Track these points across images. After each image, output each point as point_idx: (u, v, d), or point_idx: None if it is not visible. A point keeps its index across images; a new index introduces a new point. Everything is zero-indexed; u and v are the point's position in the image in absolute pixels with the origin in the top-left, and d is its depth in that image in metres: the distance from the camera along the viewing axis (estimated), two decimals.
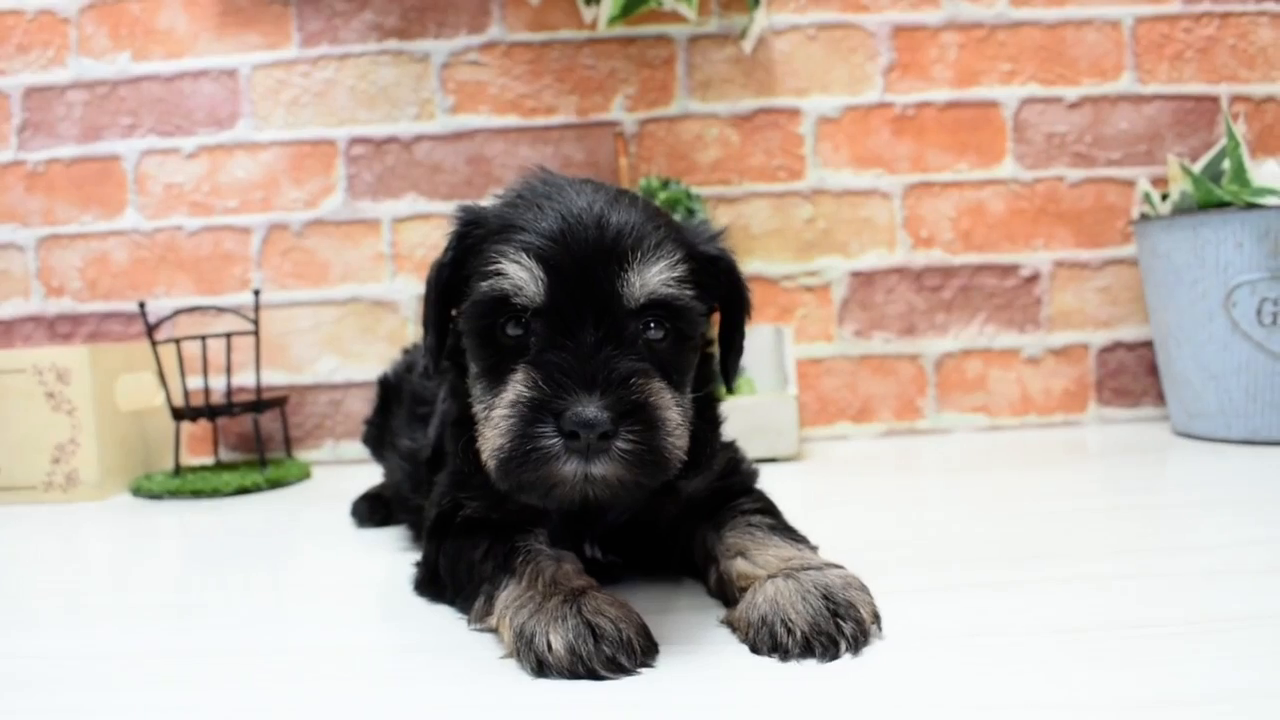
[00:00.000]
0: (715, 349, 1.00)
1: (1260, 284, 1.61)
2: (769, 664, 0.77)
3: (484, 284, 0.84)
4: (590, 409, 0.77)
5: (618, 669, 0.75)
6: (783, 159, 1.96)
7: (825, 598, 0.79)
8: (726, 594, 0.89)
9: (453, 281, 0.92)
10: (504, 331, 0.85)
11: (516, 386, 0.81)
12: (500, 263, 0.83)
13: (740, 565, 0.88)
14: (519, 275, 0.82)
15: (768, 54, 1.94)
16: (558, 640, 0.76)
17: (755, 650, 0.79)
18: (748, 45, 1.89)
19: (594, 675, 0.74)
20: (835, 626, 0.78)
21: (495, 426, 0.81)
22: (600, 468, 0.79)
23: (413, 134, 1.95)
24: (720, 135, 1.95)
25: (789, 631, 0.78)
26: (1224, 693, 0.67)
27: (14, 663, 0.87)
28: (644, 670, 0.76)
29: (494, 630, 0.85)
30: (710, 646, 0.82)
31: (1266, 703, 0.65)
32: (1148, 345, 1.97)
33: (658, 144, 1.95)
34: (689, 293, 0.86)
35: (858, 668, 0.75)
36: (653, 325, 0.85)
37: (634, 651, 0.76)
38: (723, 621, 0.86)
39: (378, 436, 1.41)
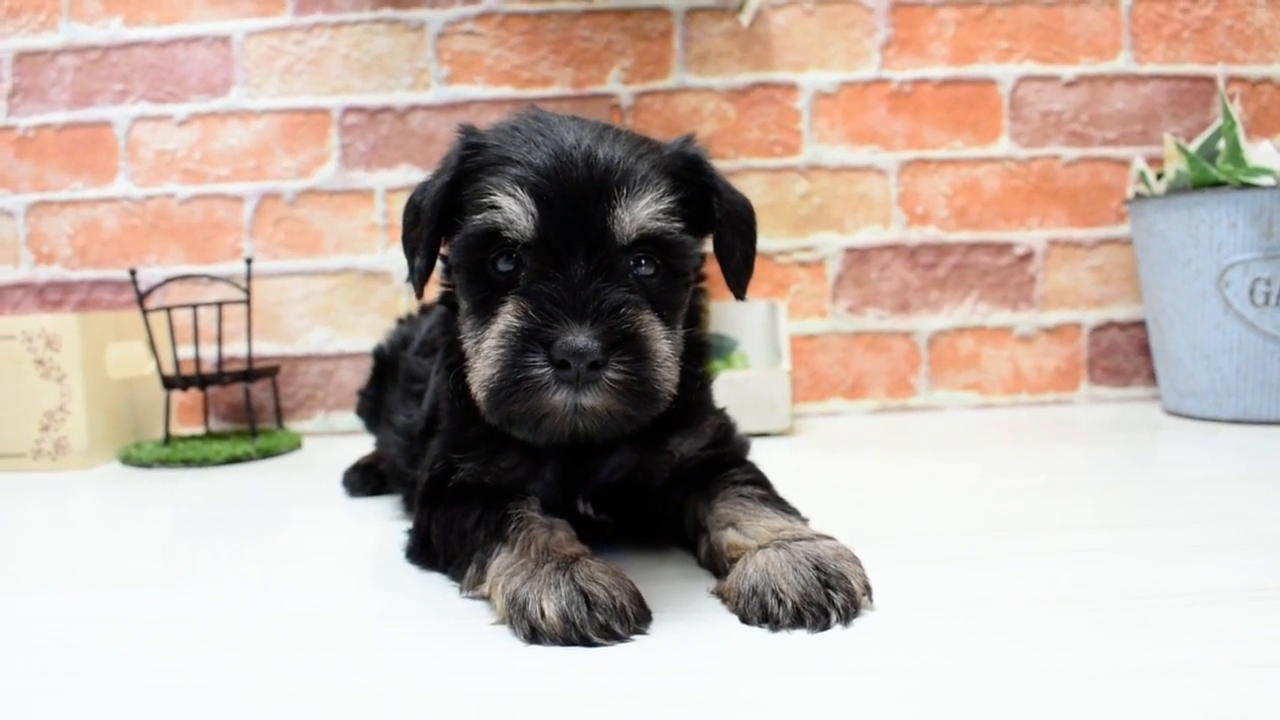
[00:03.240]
0: (706, 285, 1.01)
1: (1254, 264, 1.61)
2: (760, 633, 0.77)
3: (477, 217, 0.84)
4: (580, 338, 0.78)
5: (611, 636, 0.75)
6: (779, 134, 1.95)
7: (816, 568, 0.80)
8: (717, 564, 0.89)
9: (447, 204, 0.91)
10: (494, 266, 0.85)
11: (506, 317, 0.81)
12: (494, 195, 0.83)
13: (731, 536, 0.88)
14: (512, 209, 0.82)
15: (765, 28, 1.93)
16: (551, 607, 0.76)
17: (746, 620, 0.79)
18: (745, 19, 1.88)
19: (587, 642, 0.74)
20: (826, 597, 0.78)
21: (485, 357, 0.82)
22: (590, 398, 0.80)
23: (407, 104, 1.94)
24: (716, 109, 1.94)
25: (780, 602, 0.78)
26: (1209, 663, 0.68)
27: (7, 626, 0.86)
28: (637, 637, 0.76)
29: (486, 598, 0.85)
30: (701, 615, 0.82)
31: (1250, 672, 0.66)
32: (1140, 325, 1.97)
33: (654, 117, 1.95)
34: (678, 225, 0.87)
35: (848, 637, 0.75)
36: (643, 261, 0.86)
37: (627, 619, 0.76)
38: (713, 592, 0.86)
39: (372, 409, 1.41)
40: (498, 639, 0.78)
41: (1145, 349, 1.96)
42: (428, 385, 1.16)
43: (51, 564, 1.10)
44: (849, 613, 0.78)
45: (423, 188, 0.93)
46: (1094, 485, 1.31)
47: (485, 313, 0.84)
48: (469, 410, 0.90)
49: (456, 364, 0.92)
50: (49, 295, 1.98)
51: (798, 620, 0.77)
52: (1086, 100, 1.95)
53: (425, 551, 0.99)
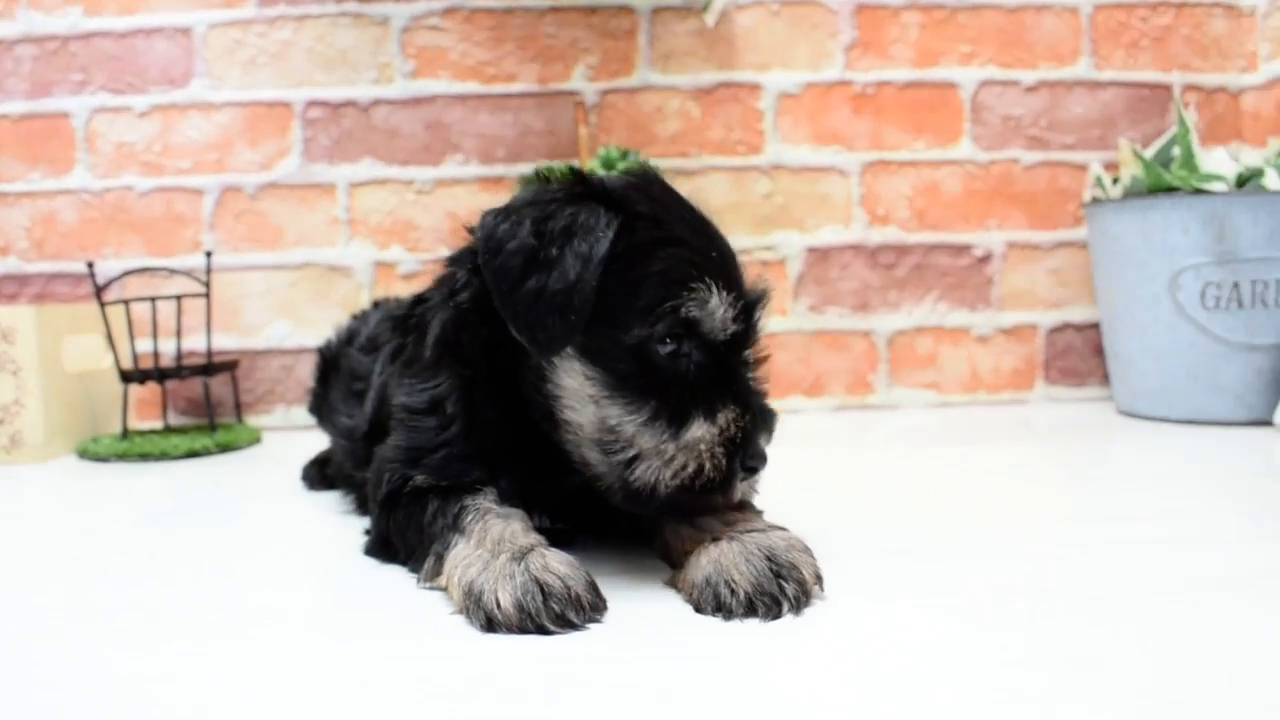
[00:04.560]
0: None
1: (1205, 268, 1.65)
2: (714, 621, 0.79)
3: (671, 302, 0.83)
4: (766, 445, 0.86)
5: (566, 624, 0.77)
6: (742, 133, 1.96)
7: (768, 559, 0.81)
8: (672, 556, 0.90)
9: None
10: (658, 351, 0.85)
11: (720, 420, 0.85)
12: (699, 289, 0.84)
13: (685, 528, 0.89)
14: (715, 306, 0.84)
15: (730, 28, 1.94)
16: (506, 597, 0.77)
17: (699, 610, 0.81)
18: (710, 19, 1.89)
19: (543, 630, 0.76)
20: (778, 587, 0.79)
21: (689, 450, 0.84)
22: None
23: (371, 98, 1.93)
24: (681, 108, 1.95)
25: (732, 592, 0.79)
26: (1157, 650, 0.70)
27: None
28: (592, 626, 0.78)
29: (444, 589, 0.85)
30: (657, 605, 0.83)
31: (1192, 658, 0.67)
32: (1095, 327, 2.00)
33: (618, 115, 1.95)
34: None
35: (800, 625, 0.77)
36: None
37: (583, 607, 0.78)
38: (668, 583, 0.87)
39: (319, 406, 1.40)
40: (455, 628, 0.79)
41: (1100, 350, 1.99)
42: (370, 385, 1.16)
43: (9, 556, 1.09)
44: (800, 602, 0.80)
45: (555, 239, 0.85)
46: (1049, 482, 1.33)
47: (640, 394, 0.85)
48: (479, 426, 0.94)
49: (473, 379, 0.94)
50: (5, 288, 1.95)
51: (750, 610, 0.79)
52: (1046, 105, 1.98)
53: (385, 548, 0.99)
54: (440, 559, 0.87)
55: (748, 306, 0.88)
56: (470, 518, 0.88)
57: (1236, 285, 1.63)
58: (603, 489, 0.88)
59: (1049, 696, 0.62)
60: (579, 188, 0.88)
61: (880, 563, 0.94)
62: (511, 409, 0.92)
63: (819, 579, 0.83)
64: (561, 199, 0.87)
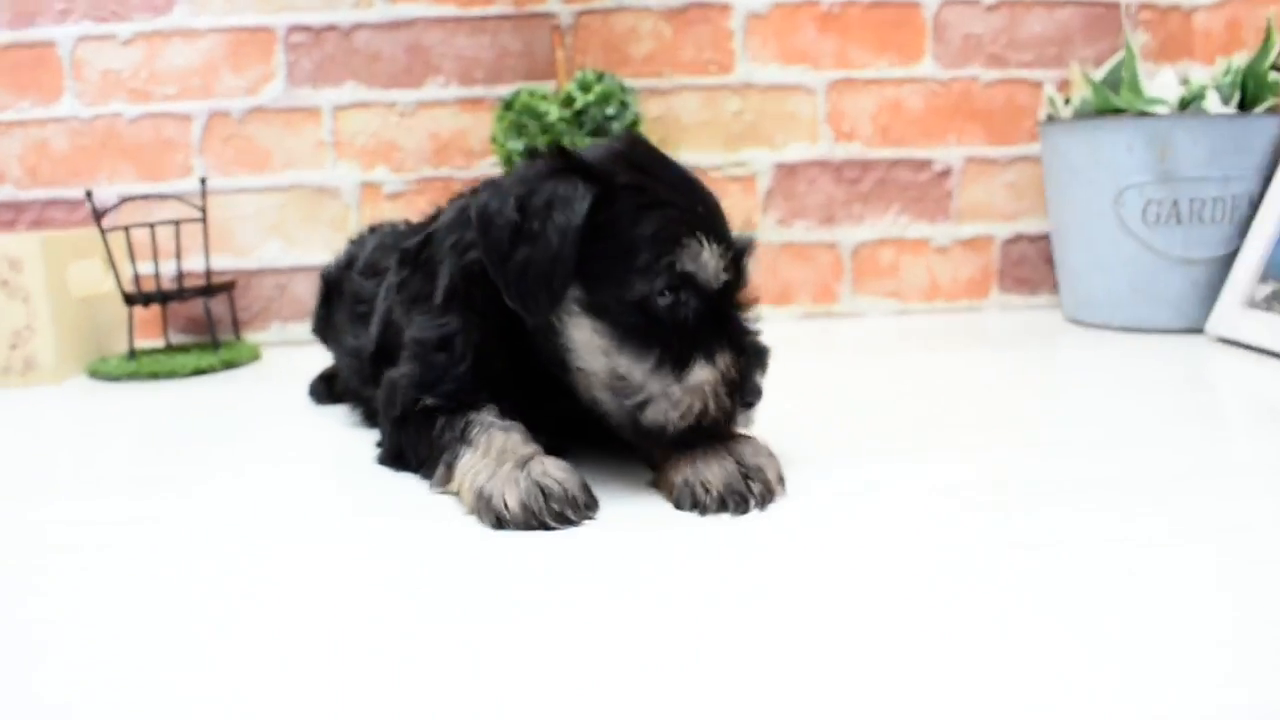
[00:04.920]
0: None
1: (1147, 186, 1.75)
2: (690, 516, 0.93)
3: (666, 259, 0.93)
4: (760, 381, 0.98)
5: (565, 521, 0.90)
6: (713, 53, 2.03)
7: (738, 463, 0.95)
8: (654, 460, 1.04)
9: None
10: (656, 303, 0.94)
11: (719, 363, 0.95)
12: (690, 244, 0.94)
13: None
14: (707, 259, 0.94)
15: None
16: (513, 499, 0.90)
17: (678, 507, 0.95)
18: None
19: (545, 527, 0.90)
20: (746, 487, 0.93)
21: (695, 392, 0.94)
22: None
23: (351, 22, 1.98)
24: (654, 29, 2.01)
25: (706, 491, 0.93)
26: (1096, 536, 0.83)
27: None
28: (587, 522, 0.92)
29: (454, 493, 0.99)
30: (640, 503, 0.97)
31: (1136, 550, 0.80)
32: (1046, 238, 2.12)
33: (592, 36, 2.01)
34: None
35: (764, 520, 0.92)
36: None
37: (579, 506, 0.92)
38: (650, 484, 1.01)
39: (324, 328, 1.50)
40: (468, 525, 0.93)
41: (1050, 261, 2.11)
42: (374, 308, 1.26)
43: (39, 473, 1.21)
44: (765, 499, 0.94)
45: (537, 214, 0.94)
46: (994, 387, 1.48)
47: (644, 343, 0.95)
48: (482, 359, 1.05)
49: (480, 324, 1.05)
50: (2, 216, 2.02)
51: (722, 506, 0.93)
52: (1005, 24, 2.05)
53: (398, 459, 1.12)
54: (450, 467, 0.99)
55: (736, 255, 0.98)
56: (476, 430, 1.00)
57: (1176, 202, 1.75)
58: (613, 425, 1.00)
59: (976, 577, 0.75)
60: (560, 163, 0.96)
61: (838, 465, 1.07)
62: (514, 349, 1.04)
63: (782, 480, 0.97)
64: (543, 174, 0.95)
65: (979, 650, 0.64)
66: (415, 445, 1.07)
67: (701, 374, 0.94)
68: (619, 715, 0.58)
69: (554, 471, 0.93)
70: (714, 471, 0.94)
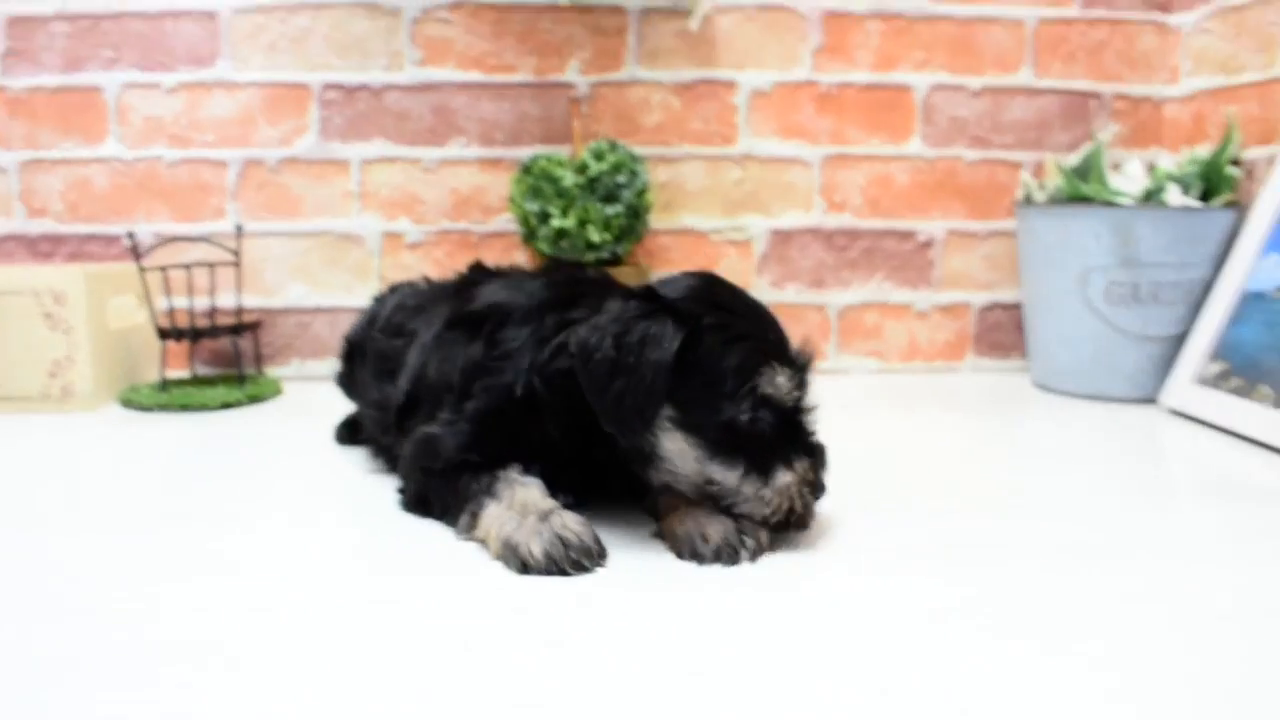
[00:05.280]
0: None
1: (1110, 269, 1.91)
2: (689, 565, 1.07)
3: (749, 385, 1.07)
4: (824, 478, 1.13)
5: (581, 568, 1.04)
6: (718, 126, 2.19)
7: (734, 520, 1.10)
8: (659, 513, 1.17)
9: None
10: (739, 418, 1.08)
11: (798, 468, 1.10)
12: (767, 371, 1.08)
13: (671, 496, 1.15)
14: (782, 383, 1.09)
15: (711, 30, 2.14)
16: (537, 549, 1.04)
17: (679, 556, 1.09)
18: (694, 24, 2.09)
19: (564, 573, 1.03)
20: (740, 541, 1.08)
21: (783, 494, 1.09)
22: None
23: (382, 83, 2.12)
24: (664, 101, 2.17)
25: (705, 542, 1.08)
26: (1022, 596, 0.97)
27: (28, 558, 1.09)
28: (599, 569, 1.05)
29: (479, 540, 1.11)
30: (646, 554, 1.11)
31: (1082, 608, 0.94)
32: (1019, 307, 2.28)
33: (607, 106, 2.16)
34: None
35: (752, 571, 1.06)
36: None
37: (593, 555, 1.05)
38: (654, 534, 1.15)
39: (348, 383, 1.60)
40: (496, 570, 1.06)
41: (1022, 328, 2.27)
42: (400, 364, 1.38)
43: (77, 499, 1.32)
44: (755, 554, 1.08)
45: (632, 350, 1.06)
46: (965, 450, 1.62)
47: (731, 453, 1.09)
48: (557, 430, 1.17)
49: (548, 412, 1.16)
50: (40, 247, 2.14)
51: (717, 557, 1.07)
52: (989, 108, 2.22)
53: (421, 505, 1.24)
54: (476, 516, 1.12)
55: (801, 374, 1.12)
56: (501, 485, 1.13)
57: (1136, 285, 1.91)
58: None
59: (935, 629, 0.89)
60: (651, 305, 1.09)
61: (821, 523, 1.20)
62: (572, 436, 1.16)
63: (771, 538, 1.12)
64: (637, 315, 1.08)
65: (914, 691, 0.78)
66: (443, 494, 1.19)
67: (785, 478, 1.08)
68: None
69: (572, 525, 1.07)
70: (714, 527, 1.09)
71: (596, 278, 1.29)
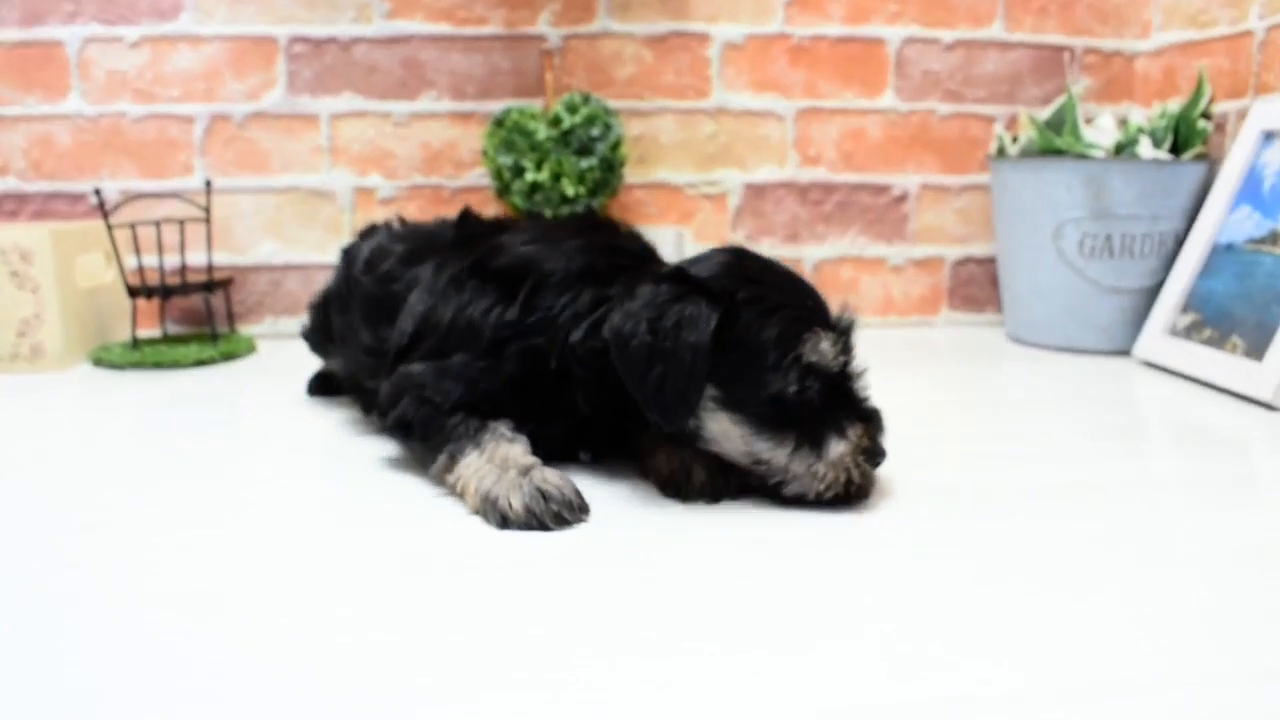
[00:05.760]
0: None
1: (1083, 222, 1.93)
2: (668, 507, 1.08)
3: (792, 355, 1.05)
4: (882, 442, 1.11)
5: (562, 522, 1.04)
6: (691, 79, 2.17)
7: (717, 459, 1.13)
8: (641, 451, 1.20)
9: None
10: (786, 389, 1.06)
11: (852, 434, 1.08)
12: (810, 338, 1.06)
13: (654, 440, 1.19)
14: (826, 348, 1.07)
15: None
16: (517, 502, 1.03)
17: (664, 491, 1.13)
18: None
19: (544, 527, 1.03)
20: (722, 482, 1.12)
21: (837, 466, 1.07)
22: None
23: (351, 35, 2.09)
24: (636, 54, 2.15)
25: (689, 479, 1.12)
26: (1017, 540, 0.98)
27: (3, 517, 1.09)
28: (580, 524, 1.05)
29: (451, 487, 1.11)
30: (628, 509, 1.10)
31: (1056, 552, 0.95)
32: (993, 261, 2.29)
33: (579, 59, 2.14)
34: None
35: (740, 519, 1.07)
36: None
37: (574, 508, 1.05)
38: (638, 472, 1.19)
39: (323, 336, 1.57)
40: (475, 524, 1.05)
41: (996, 282, 2.29)
42: (397, 307, 1.33)
43: (42, 456, 1.31)
44: (736, 494, 1.12)
45: (668, 334, 1.05)
46: (940, 402, 1.64)
47: (798, 431, 1.07)
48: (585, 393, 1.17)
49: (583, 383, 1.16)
50: (5, 206, 2.10)
51: (701, 495, 1.11)
52: (962, 62, 2.22)
53: (403, 428, 1.20)
54: (454, 460, 1.11)
55: (845, 338, 1.10)
56: (487, 436, 1.12)
57: (1109, 237, 1.92)
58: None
59: (918, 569, 0.90)
60: (683, 286, 1.07)
61: None
62: (600, 410, 1.17)
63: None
64: (669, 298, 1.06)
65: (887, 640, 0.79)
66: (429, 425, 1.16)
67: (839, 448, 1.06)
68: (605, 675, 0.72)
69: (552, 479, 1.07)
70: (699, 466, 1.12)
71: (631, 245, 1.26)
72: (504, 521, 1.03)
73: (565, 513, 1.04)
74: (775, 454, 1.07)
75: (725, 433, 1.09)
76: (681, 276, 1.09)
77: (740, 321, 1.06)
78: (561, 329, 1.16)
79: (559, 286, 1.18)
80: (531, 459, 1.11)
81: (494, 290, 1.22)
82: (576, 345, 1.14)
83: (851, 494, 1.07)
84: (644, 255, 1.25)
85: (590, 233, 1.28)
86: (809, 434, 1.06)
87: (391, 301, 1.36)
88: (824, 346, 1.06)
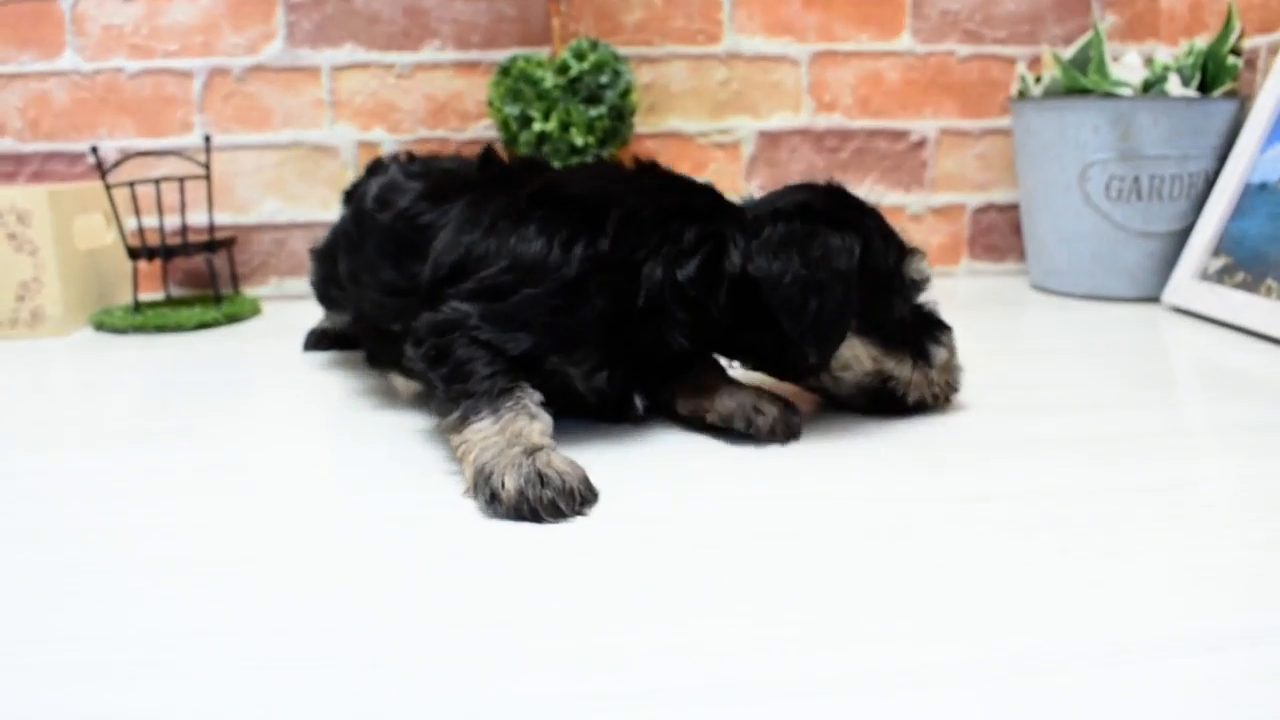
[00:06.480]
0: None
1: (1110, 163, 1.86)
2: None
3: (908, 277, 1.18)
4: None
5: (556, 513, 0.91)
6: (702, 24, 2.10)
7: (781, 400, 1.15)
8: (692, 393, 1.18)
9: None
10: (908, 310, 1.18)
11: (945, 344, 1.20)
12: (911, 260, 1.18)
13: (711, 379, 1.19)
14: (923, 267, 1.20)
15: None
16: (510, 482, 0.92)
17: (729, 426, 1.12)
18: None
19: (535, 514, 0.91)
20: (795, 423, 1.13)
21: (942, 372, 1.20)
22: None
23: None
24: None
25: (760, 414, 1.11)
26: (1054, 488, 0.94)
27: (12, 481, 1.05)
28: (579, 517, 0.93)
29: (454, 448, 1.01)
30: (640, 498, 1.04)
31: (1092, 500, 0.91)
32: (1015, 208, 2.22)
33: (586, 3, 2.07)
34: None
35: (778, 464, 1.05)
36: None
37: (574, 499, 0.93)
38: (689, 413, 1.16)
39: (331, 282, 1.49)
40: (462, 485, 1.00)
41: (1018, 229, 2.22)
42: (421, 244, 1.22)
43: (58, 423, 1.28)
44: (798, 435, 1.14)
45: (819, 266, 1.07)
46: (965, 351, 1.57)
47: (913, 346, 1.18)
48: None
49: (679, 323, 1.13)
50: (3, 167, 2.05)
51: (772, 435, 1.11)
52: (981, 2, 2.14)
53: (438, 360, 1.09)
54: (464, 421, 1.01)
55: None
56: (509, 404, 1.02)
57: (1137, 179, 1.86)
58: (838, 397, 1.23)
59: (931, 527, 0.86)
60: (813, 221, 1.10)
61: (834, 425, 1.18)
62: (695, 345, 1.16)
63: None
64: (806, 232, 1.09)
65: (933, 592, 0.75)
66: (462, 363, 1.06)
67: (942, 355, 1.19)
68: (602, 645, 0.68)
69: (557, 463, 0.95)
70: (767, 403, 1.12)
71: (693, 183, 1.23)
72: (493, 500, 0.92)
73: (561, 502, 0.92)
74: (901, 369, 1.16)
75: (855, 357, 1.15)
76: (808, 212, 1.13)
77: (871, 249, 1.13)
78: (660, 264, 1.11)
79: (651, 221, 1.12)
80: (546, 441, 1.00)
81: (573, 222, 1.12)
82: (687, 283, 1.11)
83: (948, 397, 1.21)
84: (717, 195, 1.22)
85: (656, 172, 1.24)
86: (919, 347, 1.17)
87: (418, 236, 1.25)
88: (922, 265, 1.18)
